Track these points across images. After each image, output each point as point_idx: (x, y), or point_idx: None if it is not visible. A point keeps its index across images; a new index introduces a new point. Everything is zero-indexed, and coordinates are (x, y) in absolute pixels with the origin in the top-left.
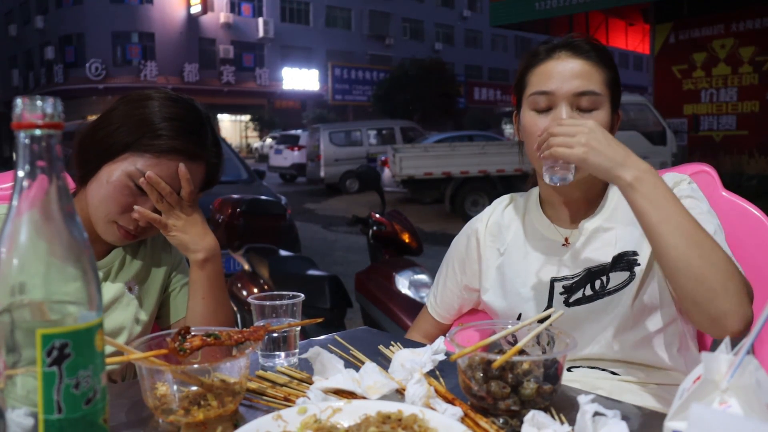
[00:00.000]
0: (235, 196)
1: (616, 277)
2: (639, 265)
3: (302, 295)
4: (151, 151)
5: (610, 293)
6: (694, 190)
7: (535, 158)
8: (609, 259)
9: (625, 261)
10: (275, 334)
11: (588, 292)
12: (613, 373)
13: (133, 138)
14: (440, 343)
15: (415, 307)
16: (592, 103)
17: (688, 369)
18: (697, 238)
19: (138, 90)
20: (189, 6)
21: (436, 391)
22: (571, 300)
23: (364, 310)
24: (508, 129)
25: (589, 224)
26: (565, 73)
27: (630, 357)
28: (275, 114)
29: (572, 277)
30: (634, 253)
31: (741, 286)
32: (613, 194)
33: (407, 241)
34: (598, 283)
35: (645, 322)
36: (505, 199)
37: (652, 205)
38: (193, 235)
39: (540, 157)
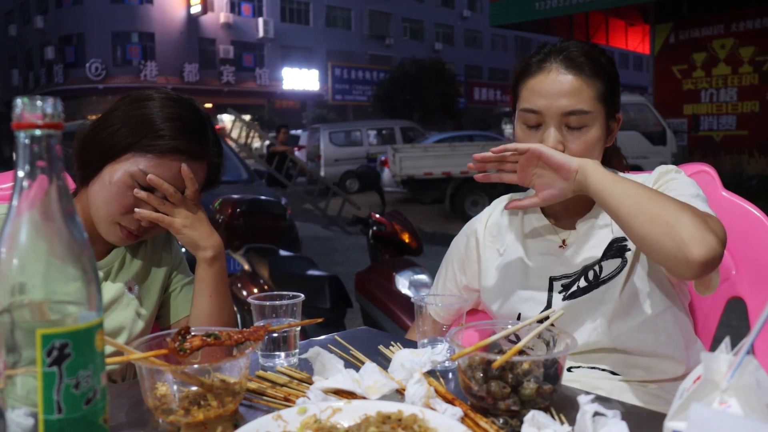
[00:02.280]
0: (235, 196)
1: (609, 265)
2: (629, 249)
3: (302, 295)
4: (154, 152)
5: (605, 282)
6: (678, 174)
7: None
8: (602, 253)
9: (615, 247)
10: (275, 334)
11: (582, 284)
12: (613, 373)
13: (134, 138)
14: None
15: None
16: (580, 121)
17: (688, 359)
18: (644, 191)
19: (138, 90)
20: (189, 6)
21: (436, 391)
22: (567, 293)
23: (364, 310)
24: (508, 129)
25: (585, 225)
26: (554, 90)
27: (628, 344)
28: (275, 114)
29: (570, 275)
30: (624, 239)
31: (702, 222)
32: None
33: (407, 241)
34: (591, 274)
35: (639, 308)
36: (504, 199)
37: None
38: (201, 233)
39: None
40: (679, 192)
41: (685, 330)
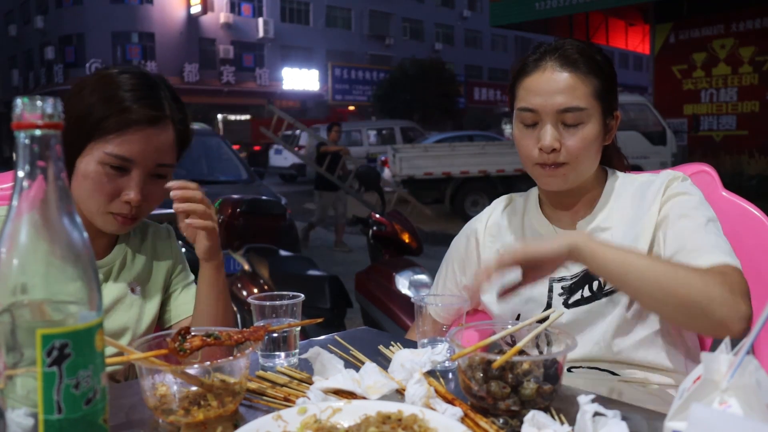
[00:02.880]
0: (235, 196)
1: None
2: None
3: (302, 295)
4: (112, 132)
5: (607, 294)
6: (686, 186)
7: (527, 165)
8: None
9: None
10: (275, 334)
11: (586, 293)
12: (613, 373)
13: (90, 127)
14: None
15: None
16: (576, 118)
17: (689, 370)
18: (659, 268)
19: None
20: (189, 6)
21: (436, 391)
22: (570, 301)
23: (364, 310)
24: (508, 129)
25: (586, 225)
26: (549, 88)
27: (629, 358)
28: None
29: (570, 278)
30: None
31: (728, 290)
32: (609, 194)
33: (407, 241)
34: (595, 284)
35: (643, 323)
36: (504, 199)
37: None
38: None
39: None
40: (690, 223)
41: (686, 344)
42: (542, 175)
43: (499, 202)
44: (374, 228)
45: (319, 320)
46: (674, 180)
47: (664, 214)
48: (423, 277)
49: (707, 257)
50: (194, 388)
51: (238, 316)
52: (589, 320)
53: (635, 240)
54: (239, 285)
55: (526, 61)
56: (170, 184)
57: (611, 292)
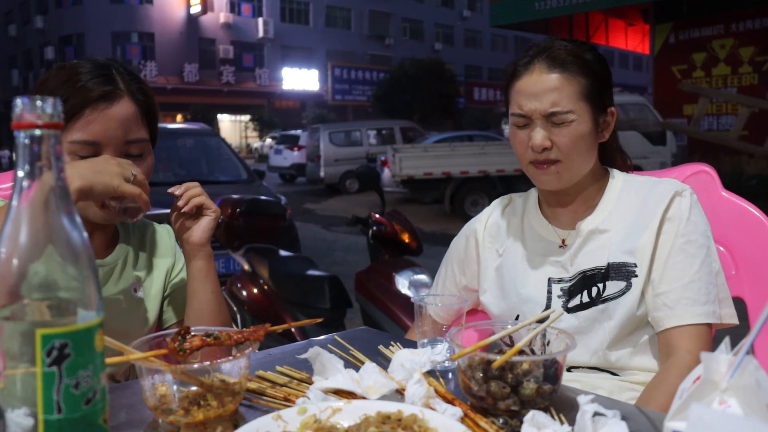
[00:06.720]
0: (235, 196)
1: (612, 286)
2: (636, 276)
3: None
4: (71, 118)
5: (605, 301)
6: (692, 206)
7: (523, 164)
8: (603, 263)
9: (623, 271)
10: None
11: (585, 298)
12: (613, 373)
13: None
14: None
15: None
16: (564, 119)
17: None
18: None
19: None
20: (189, 6)
21: (436, 391)
22: (569, 305)
23: (364, 310)
24: (507, 129)
25: (585, 226)
26: (537, 90)
27: (627, 365)
28: (275, 114)
29: (569, 279)
30: (634, 265)
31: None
32: (610, 196)
33: (407, 241)
34: (594, 290)
35: (638, 331)
36: (503, 199)
37: None
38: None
39: None
40: (687, 261)
41: None
42: (536, 173)
43: (499, 203)
44: (374, 228)
45: (319, 320)
46: (678, 195)
47: (666, 238)
48: (423, 277)
49: (688, 313)
50: (194, 388)
51: (238, 316)
52: (588, 328)
53: (636, 249)
54: (239, 285)
55: (517, 64)
56: (172, 189)
57: (609, 299)
